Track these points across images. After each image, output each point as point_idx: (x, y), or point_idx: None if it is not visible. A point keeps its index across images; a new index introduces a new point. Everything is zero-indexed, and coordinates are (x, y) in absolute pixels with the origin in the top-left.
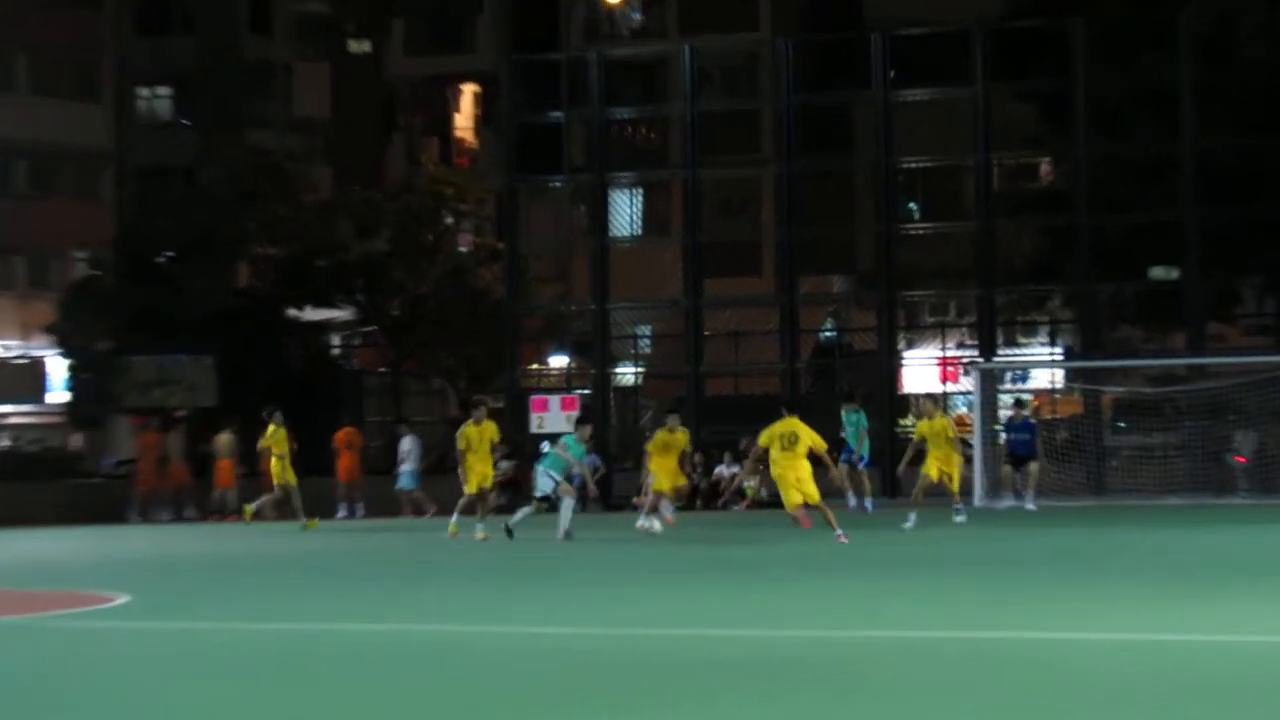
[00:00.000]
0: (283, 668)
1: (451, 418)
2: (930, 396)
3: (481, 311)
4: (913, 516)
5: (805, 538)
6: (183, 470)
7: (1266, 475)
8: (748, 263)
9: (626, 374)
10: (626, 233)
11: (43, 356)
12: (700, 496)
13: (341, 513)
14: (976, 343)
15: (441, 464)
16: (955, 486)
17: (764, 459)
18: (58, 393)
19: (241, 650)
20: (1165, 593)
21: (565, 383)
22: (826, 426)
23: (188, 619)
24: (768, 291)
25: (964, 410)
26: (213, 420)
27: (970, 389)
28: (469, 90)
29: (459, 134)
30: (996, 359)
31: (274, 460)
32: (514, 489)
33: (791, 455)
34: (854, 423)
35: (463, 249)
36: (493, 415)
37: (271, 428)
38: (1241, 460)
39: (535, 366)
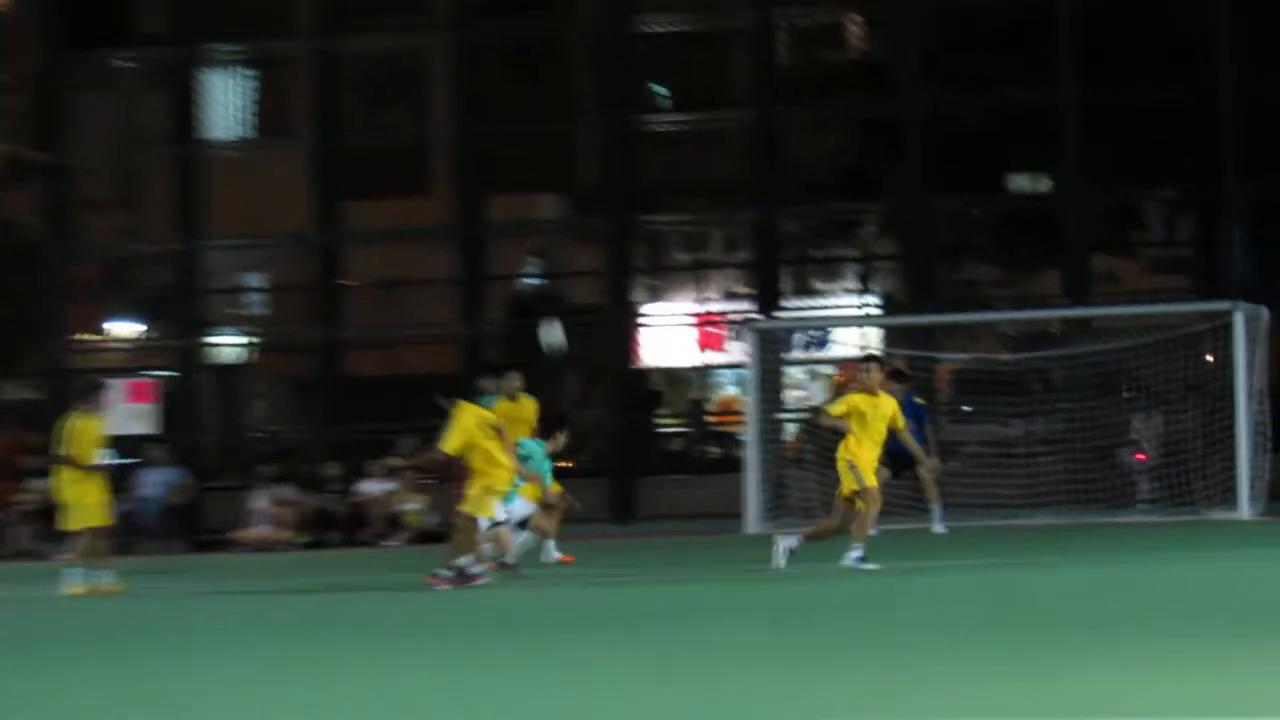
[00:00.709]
0: None
1: None
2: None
3: (7, 255)
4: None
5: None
6: None
7: (1176, 477)
8: (409, 178)
9: (229, 345)
10: (228, 135)
11: None
12: (337, 526)
13: None
14: (753, 291)
15: None
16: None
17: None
18: None
19: None
20: (1000, 661)
21: (134, 360)
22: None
23: None
24: (440, 221)
25: (734, 391)
26: None
27: (744, 359)
28: None
29: None
30: (781, 314)
31: None
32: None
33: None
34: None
35: None
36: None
37: None
38: (1142, 458)
39: (87, 336)
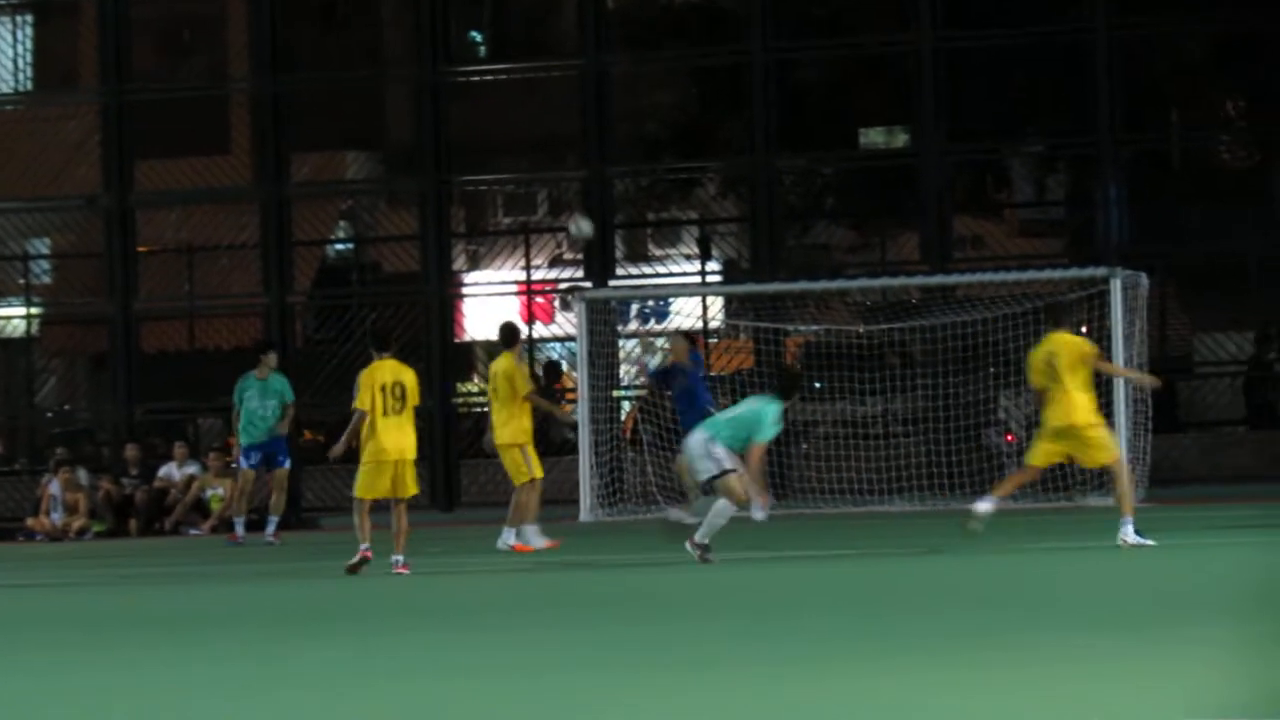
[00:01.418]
0: None
1: None
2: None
3: None
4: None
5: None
6: None
7: None
8: (207, 133)
9: (14, 317)
10: (5, 88)
11: None
12: (137, 513)
13: None
14: (580, 257)
15: None
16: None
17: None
18: None
19: None
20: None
21: None
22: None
23: None
24: (241, 181)
25: (564, 367)
26: None
27: (572, 332)
28: None
29: None
30: (615, 283)
31: None
32: None
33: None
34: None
35: None
36: None
37: None
38: (1010, 439)
39: None
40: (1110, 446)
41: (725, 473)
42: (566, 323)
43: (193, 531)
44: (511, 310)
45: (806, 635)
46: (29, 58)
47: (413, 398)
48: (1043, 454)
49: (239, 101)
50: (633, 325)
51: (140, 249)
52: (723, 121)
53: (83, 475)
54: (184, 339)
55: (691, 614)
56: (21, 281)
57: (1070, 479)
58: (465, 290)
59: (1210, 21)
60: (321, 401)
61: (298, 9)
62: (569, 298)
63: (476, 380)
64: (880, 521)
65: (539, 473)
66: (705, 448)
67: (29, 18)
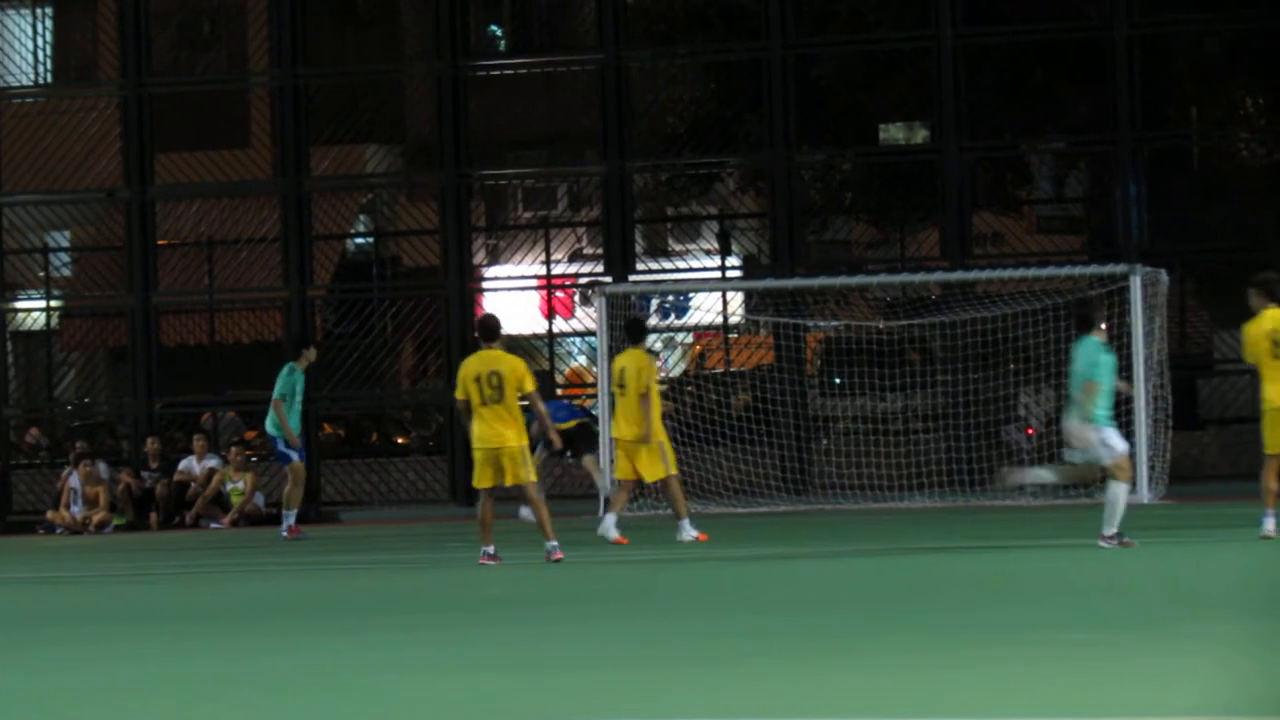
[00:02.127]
0: None
1: None
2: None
3: None
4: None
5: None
6: None
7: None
8: (227, 127)
9: (34, 311)
10: (26, 80)
11: None
12: (157, 506)
13: None
14: (603, 252)
15: None
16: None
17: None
18: None
19: None
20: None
21: None
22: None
23: None
24: (261, 175)
25: (581, 363)
26: None
27: (592, 327)
28: None
29: None
30: (635, 278)
31: None
32: None
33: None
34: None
35: None
36: None
37: None
38: (1030, 432)
39: None
40: None
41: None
42: (586, 318)
43: (213, 525)
44: (531, 305)
45: (829, 631)
46: (49, 50)
47: (510, 386)
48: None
49: (259, 95)
50: (653, 320)
51: (160, 242)
52: (742, 116)
53: (103, 468)
54: (204, 332)
55: (713, 609)
56: (41, 274)
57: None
58: (485, 285)
59: (1230, 19)
60: (341, 395)
61: (318, 2)
62: (589, 292)
63: None
64: (900, 518)
65: (674, 469)
66: (1095, 434)
67: (49, 10)
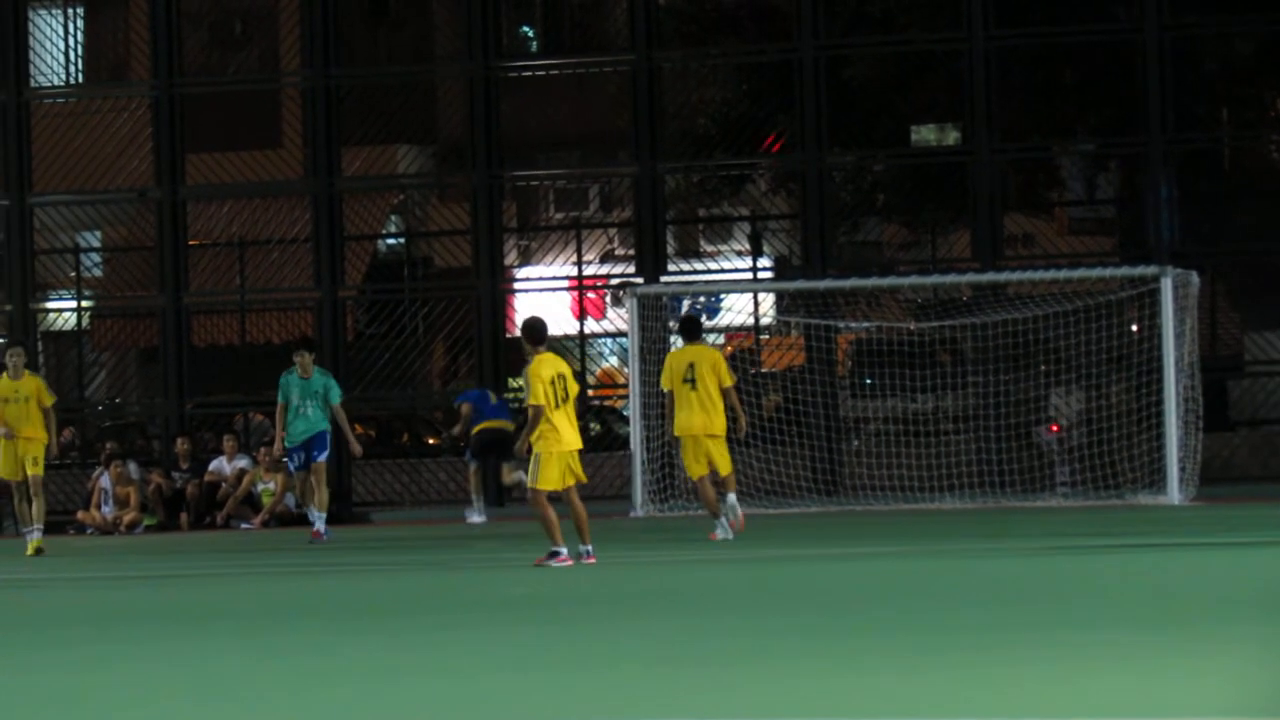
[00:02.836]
0: None
1: None
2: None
3: None
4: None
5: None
6: None
7: (1099, 458)
8: (259, 127)
9: (65, 311)
10: (57, 80)
11: None
12: (189, 506)
13: None
14: (634, 253)
15: None
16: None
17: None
18: None
19: None
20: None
21: None
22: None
23: None
24: (292, 175)
25: (612, 364)
26: None
27: (624, 328)
28: None
29: None
30: (666, 279)
31: None
32: None
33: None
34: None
35: None
36: None
37: None
38: (1055, 430)
39: None
40: None
41: None
42: (618, 318)
43: (244, 525)
44: (563, 305)
45: (857, 631)
46: (80, 51)
47: (574, 388)
48: None
49: (290, 95)
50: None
51: (191, 242)
52: (774, 117)
53: (133, 469)
54: (235, 333)
55: (740, 609)
56: (73, 274)
57: (1121, 476)
58: (517, 285)
59: (1262, 21)
60: (373, 396)
61: (350, 2)
62: (620, 293)
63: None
64: (931, 519)
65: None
66: None
67: (80, 11)
